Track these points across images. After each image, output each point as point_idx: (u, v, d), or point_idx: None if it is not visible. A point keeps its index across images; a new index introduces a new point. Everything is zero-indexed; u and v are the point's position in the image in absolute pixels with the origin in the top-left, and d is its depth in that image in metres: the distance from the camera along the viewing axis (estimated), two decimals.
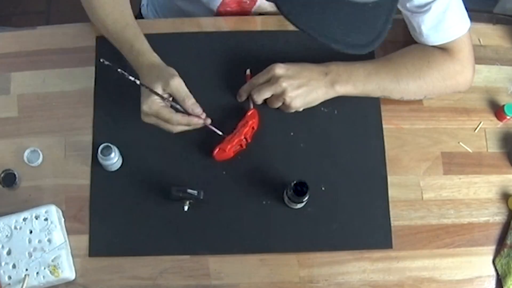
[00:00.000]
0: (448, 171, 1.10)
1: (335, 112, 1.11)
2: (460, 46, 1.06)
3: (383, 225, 1.06)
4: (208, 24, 1.17)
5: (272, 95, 1.05)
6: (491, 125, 1.14)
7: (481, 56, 1.16)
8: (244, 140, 1.05)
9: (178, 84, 0.95)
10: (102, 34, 1.07)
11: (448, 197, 1.08)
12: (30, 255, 0.97)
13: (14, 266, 0.96)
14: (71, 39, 1.14)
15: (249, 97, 1.08)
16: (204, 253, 1.03)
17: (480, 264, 1.06)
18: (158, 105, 0.95)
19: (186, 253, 1.03)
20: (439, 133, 1.12)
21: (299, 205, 1.03)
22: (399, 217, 1.06)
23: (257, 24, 1.17)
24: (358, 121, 1.11)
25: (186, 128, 1.00)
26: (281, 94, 1.03)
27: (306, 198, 0.99)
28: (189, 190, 0.99)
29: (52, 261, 0.97)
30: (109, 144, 1.00)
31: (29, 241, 0.98)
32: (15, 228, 0.98)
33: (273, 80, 1.03)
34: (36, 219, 0.99)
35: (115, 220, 1.04)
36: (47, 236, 0.98)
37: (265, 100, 1.07)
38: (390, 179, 1.08)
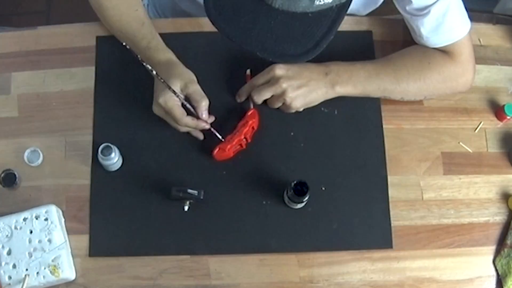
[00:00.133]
0: (448, 171, 1.10)
1: (335, 112, 1.11)
2: (461, 48, 1.06)
3: (383, 225, 1.06)
4: (208, 24, 1.15)
5: (272, 96, 1.05)
6: (491, 125, 1.14)
7: (481, 56, 1.16)
8: (244, 140, 1.05)
9: (197, 87, 0.98)
10: (111, 33, 1.08)
11: (448, 197, 1.08)
12: (30, 255, 0.97)
13: (14, 266, 0.96)
14: (71, 39, 1.14)
15: (249, 97, 1.08)
16: (204, 253, 1.03)
17: (480, 264, 1.06)
18: (174, 103, 0.97)
19: (186, 253, 1.03)
20: (439, 133, 1.12)
21: (299, 205, 1.03)
22: (399, 217, 1.06)
23: None
24: (358, 121, 1.11)
25: (191, 130, 1.02)
26: (281, 95, 1.03)
27: (306, 198, 0.99)
28: (189, 190, 0.99)
29: (52, 261, 0.97)
30: (109, 144, 1.00)
31: (29, 241, 0.98)
32: (15, 228, 0.98)
33: (273, 80, 1.03)
34: (36, 219, 0.99)
35: (115, 220, 1.04)
36: (47, 236, 0.98)
37: (265, 101, 1.07)
38: (390, 179, 1.08)
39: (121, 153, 1.04)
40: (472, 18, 1.05)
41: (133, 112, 1.08)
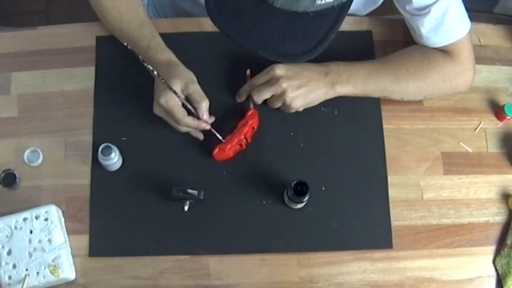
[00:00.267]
0: (448, 171, 1.10)
1: (335, 112, 1.11)
2: (461, 48, 1.06)
3: (383, 225, 1.06)
4: (208, 24, 1.16)
5: (272, 96, 1.05)
6: (491, 125, 1.14)
7: (481, 56, 1.16)
8: (244, 140, 1.05)
9: (197, 87, 0.98)
10: (111, 33, 1.08)
11: (448, 197, 1.08)
12: (30, 255, 0.97)
13: (14, 266, 0.96)
14: (71, 39, 1.14)
15: (249, 97, 1.08)
16: (204, 253, 1.03)
17: (480, 264, 1.06)
18: (175, 103, 0.97)
19: (186, 253, 1.03)
20: (439, 133, 1.12)
21: (299, 205, 1.03)
22: (399, 217, 1.06)
23: None
24: (358, 121, 1.11)
25: (191, 130, 1.01)
26: (281, 95, 1.03)
27: (306, 198, 0.99)
28: (189, 190, 0.99)
29: (52, 261, 0.97)
30: (109, 144, 1.00)
31: (29, 241, 0.98)
32: (15, 228, 0.98)
33: (273, 80, 1.03)
34: (36, 219, 0.99)
35: (115, 220, 1.04)
36: (47, 236, 0.98)
37: (265, 100, 1.07)
38: (390, 179, 1.08)
39: (121, 153, 1.04)
40: (472, 18, 1.05)
41: (133, 112, 1.08)
